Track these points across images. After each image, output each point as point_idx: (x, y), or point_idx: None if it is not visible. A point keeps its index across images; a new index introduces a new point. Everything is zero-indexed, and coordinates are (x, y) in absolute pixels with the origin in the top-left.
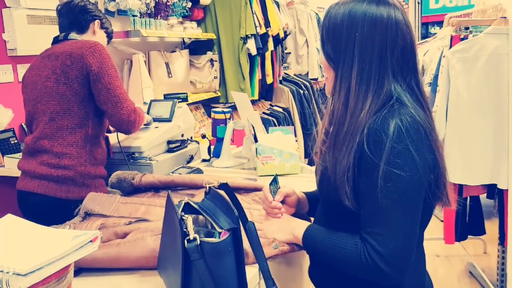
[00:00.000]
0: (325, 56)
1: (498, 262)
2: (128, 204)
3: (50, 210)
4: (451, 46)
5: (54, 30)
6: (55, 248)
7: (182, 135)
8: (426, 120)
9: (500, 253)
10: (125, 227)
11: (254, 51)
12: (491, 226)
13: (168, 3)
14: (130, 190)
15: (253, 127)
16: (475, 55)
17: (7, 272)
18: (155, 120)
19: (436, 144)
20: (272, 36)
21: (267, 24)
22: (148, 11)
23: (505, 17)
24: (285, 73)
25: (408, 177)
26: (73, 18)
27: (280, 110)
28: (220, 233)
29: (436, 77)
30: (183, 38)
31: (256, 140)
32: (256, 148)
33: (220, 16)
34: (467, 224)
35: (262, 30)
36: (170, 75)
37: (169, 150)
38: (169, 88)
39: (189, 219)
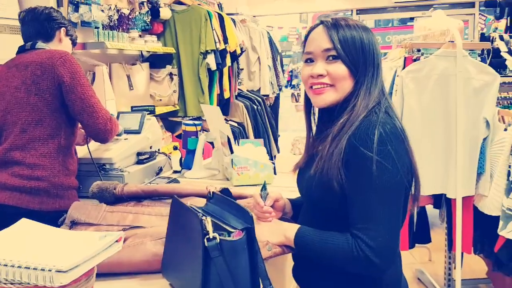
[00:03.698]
0: (349, 66)
1: (445, 268)
2: (115, 212)
3: None
4: (404, 67)
5: (15, 40)
6: (86, 248)
7: (151, 147)
8: (403, 128)
9: (447, 259)
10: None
11: (213, 66)
12: (434, 235)
13: (130, 16)
14: (112, 199)
15: (228, 138)
16: (426, 75)
17: (49, 270)
18: (124, 132)
19: (411, 151)
20: (230, 52)
21: (225, 40)
22: (111, 23)
23: (453, 41)
24: (239, 89)
25: (392, 177)
26: (39, 26)
27: (235, 124)
28: (230, 232)
29: (389, 95)
30: (141, 51)
31: (232, 151)
32: (232, 159)
33: (180, 31)
34: (414, 232)
35: (221, 46)
36: (131, 88)
37: (139, 162)
38: (130, 101)
39: (208, 219)
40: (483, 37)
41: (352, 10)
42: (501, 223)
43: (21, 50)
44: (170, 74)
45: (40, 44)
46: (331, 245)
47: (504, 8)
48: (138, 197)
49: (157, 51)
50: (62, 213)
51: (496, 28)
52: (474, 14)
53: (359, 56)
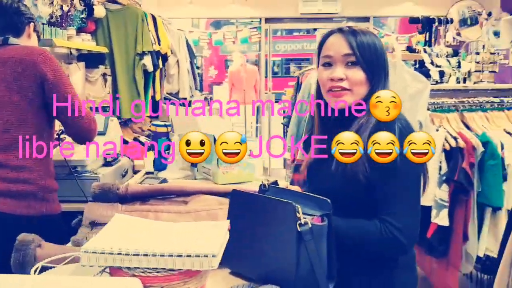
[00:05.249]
0: (366, 72)
1: None
2: (133, 212)
3: (8, 228)
4: None
5: None
6: (208, 236)
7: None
8: (411, 124)
9: None
10: None
11: (150, 68)
12: None
13: (69, 13)
14: (115, 200)
15: (214, 138)
16: None
17: (205, 256)
18: None
19: None
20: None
21: (158, 41)
22: (53, 20)
23: (392, 52)
24: None
25: (413, 167)
26: (8, 20)
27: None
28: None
29: None
30: (70, 49)
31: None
32: (218, 159)
33: (114, 31)
34: None
35: (156, 48)
36: None
37: (106, 164)
38: None
39: (299, 206)
40: (410, 49)
41: (260, 19)
42: (434, 211)
43: None
44: (104, 75)
45: (12, 40)
46: (359, 229)
47: (425, 25)
48: (143, 197)
49: (96, 50)
50: (49, 217)
51: (418, 42)
52: (368, 28)
53: (373, 61)
